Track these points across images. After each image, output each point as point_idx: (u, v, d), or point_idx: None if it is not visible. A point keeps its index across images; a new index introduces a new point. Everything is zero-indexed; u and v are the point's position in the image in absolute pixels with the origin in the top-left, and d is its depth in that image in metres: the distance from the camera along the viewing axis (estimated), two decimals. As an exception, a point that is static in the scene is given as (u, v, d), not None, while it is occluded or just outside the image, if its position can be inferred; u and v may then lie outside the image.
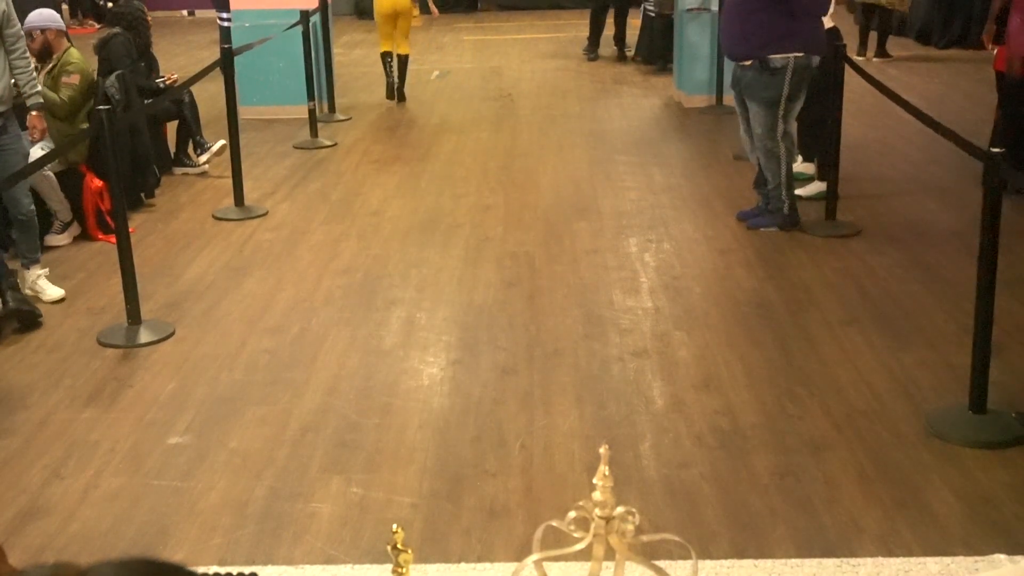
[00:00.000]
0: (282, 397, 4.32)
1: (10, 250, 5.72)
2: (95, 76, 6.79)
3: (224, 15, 10.33)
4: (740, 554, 3.10)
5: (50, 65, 6.37)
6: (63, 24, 6.57)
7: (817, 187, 6.64)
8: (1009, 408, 4.00)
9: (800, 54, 5.91)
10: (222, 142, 7.59)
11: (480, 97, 10.60)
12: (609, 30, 12.57)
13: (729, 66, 9.59)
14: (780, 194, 6.13)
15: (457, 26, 15.86)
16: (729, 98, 9.62)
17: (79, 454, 3.90)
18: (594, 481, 1.55)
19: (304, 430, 4.03)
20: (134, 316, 4.98)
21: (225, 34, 10.18)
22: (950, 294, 5.17)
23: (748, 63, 6.03)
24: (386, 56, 10.33)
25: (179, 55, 13.15)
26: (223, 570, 1.81)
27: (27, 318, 5.03)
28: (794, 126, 6.15)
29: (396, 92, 10.37)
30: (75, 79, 6.38)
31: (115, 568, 0.89)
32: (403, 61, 10.36)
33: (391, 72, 10.34)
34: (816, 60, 6.02)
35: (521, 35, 14.89)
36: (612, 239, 6.18)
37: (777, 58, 5.90)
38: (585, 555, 1.57)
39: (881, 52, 12.01)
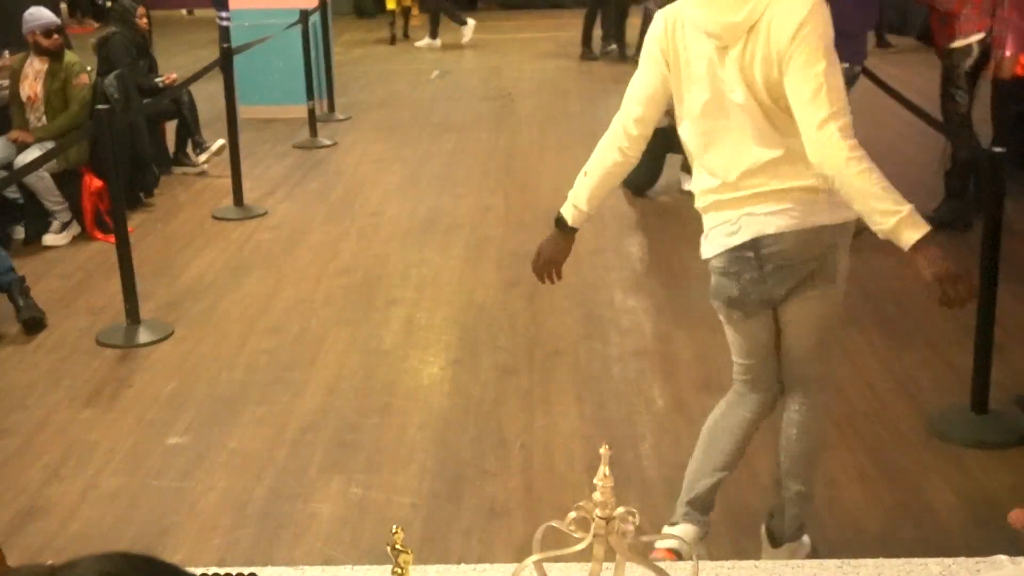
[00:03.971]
0: (282, 397, 4.31)
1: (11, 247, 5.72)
2: (94, 75, 6.78)
3: (223, 14, 10.32)
4: (740, 554, 3.09)
5: (56, 69, 6.30)
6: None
7: None
8: (1011, 405, 4.00)
9: (846, 64, 5.69)
10: (221, 141, 7.58)
11: (480, 97, 10.59)
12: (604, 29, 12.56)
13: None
14: None
15: (457, 25, 15.81)
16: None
17: (79, 454, 3.89)
18: (594, 481, 1.54)
19: (304, 430, 4.03)
20: (133, 316, 4.98)
21: (224, 33, 10.17)
22: (950, 294, 5.15)
23: None
24: (391, 12, 14.40)
25: (178, 54, 13.13)
26: (222, 570, 1.80)
27: (37, 325, 5.03)
28: None
29: (403, 33, 14.42)
30: (84, 78, 6.39)
31: (95, 562, 0.89)
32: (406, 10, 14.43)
33: (395, 25, 14.36)
34: (859, 69, 5.68)
35: (521, 34, 14.88)
36: (613, 239, 6.18)
37: None
38: (585, 555, 1.56)
39: (881, 42, 11.99)
